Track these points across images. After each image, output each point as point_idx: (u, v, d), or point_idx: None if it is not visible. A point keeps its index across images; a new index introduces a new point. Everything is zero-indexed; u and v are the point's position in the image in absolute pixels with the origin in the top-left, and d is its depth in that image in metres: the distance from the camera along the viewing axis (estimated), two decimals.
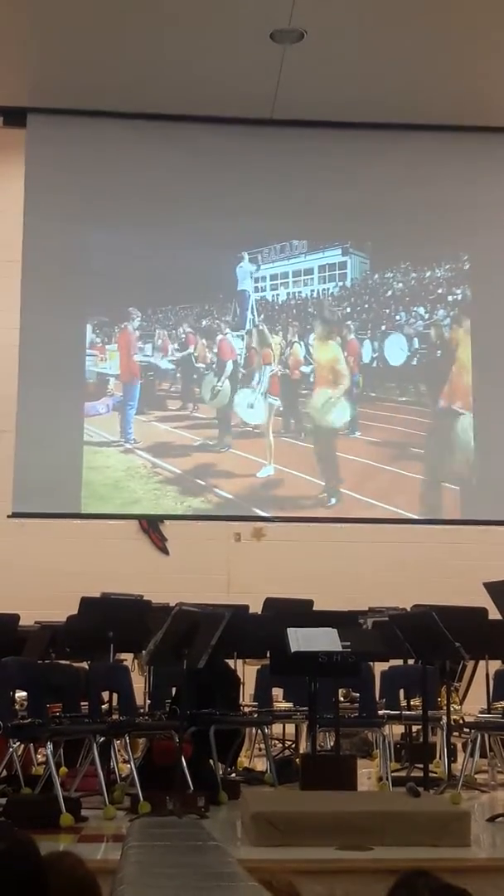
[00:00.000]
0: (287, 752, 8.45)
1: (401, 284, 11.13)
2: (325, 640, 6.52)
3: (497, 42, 9.58)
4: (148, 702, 7.46)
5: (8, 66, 10.12)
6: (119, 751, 7.31)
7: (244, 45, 9.67)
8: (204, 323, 10.94)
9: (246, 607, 8.20)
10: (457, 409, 11.00)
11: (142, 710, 7.26)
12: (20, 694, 6.87)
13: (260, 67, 10.03)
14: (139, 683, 7.64)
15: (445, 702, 7.34)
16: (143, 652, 7.05)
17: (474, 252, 11.21)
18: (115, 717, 6.86)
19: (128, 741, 6.80)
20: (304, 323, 11.03)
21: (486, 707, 7.53)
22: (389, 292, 11.13)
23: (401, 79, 10.18)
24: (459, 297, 11.15)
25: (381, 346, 11.05)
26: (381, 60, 9.88)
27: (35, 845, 2.52)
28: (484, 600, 7.35)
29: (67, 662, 7.42)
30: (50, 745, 6.14)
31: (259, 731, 7.79)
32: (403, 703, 7.82)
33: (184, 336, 10.92)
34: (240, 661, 7.84)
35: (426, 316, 11.12)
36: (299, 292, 11.11)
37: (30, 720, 6.43)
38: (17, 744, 6.60)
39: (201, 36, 9.54)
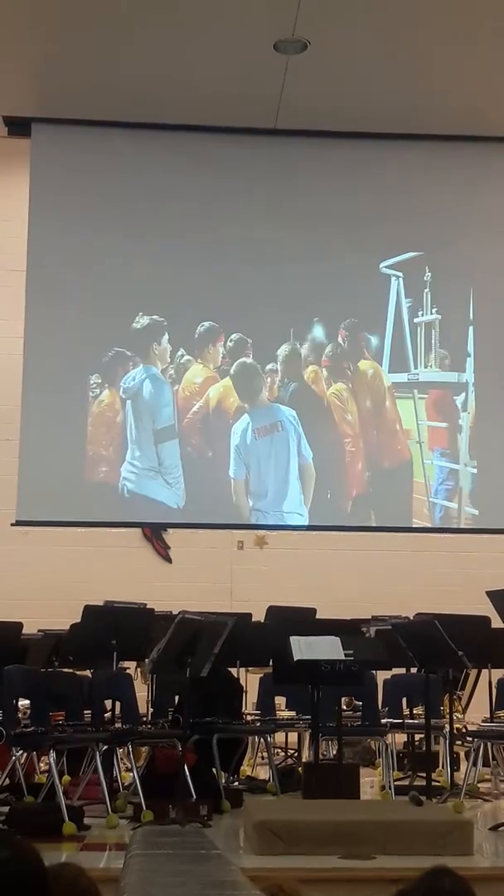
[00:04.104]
0: (289, 761, 8.44)
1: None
2: (327, 648, 6.52)
3: (498, 52, 9.60)
4: (150, 710, 7.46)
5: (12, 75, 10.15)
6: (122, 759, 7.31)
7: (248, 54, 9.70)
8: (209, 331, 10.93)
9: (249, 615, 8.20)
10: (459, 416, 11.00)
11: (144, 719, 7.27)
12: (23, 702, 6.88)
13: (263, 77, 10.06)
14: (142, 692, 7.64)
15: (448, 710, 7.33)
16: (146, 660, 7.05)
17: (477, 257, 11.22)
18: (117, 725, 6.86)
19: (130, 750, 6.80)
20: (311, 326, 11.02)
21: (488, 716, 7.53)
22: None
23: (403, 88, 10.20)
24: (463, 302, 11.15)
25: (389, 348, 11.08)
26: (383, 70, 9.90)
27: (38, 854, 2.53)
28: (487, 609, 7.37)
29: (70, 671, 7.43)
30: (52, 754, 6.15)
31: (262, 740, 7.80)
32: (406, 712, 7.80)
33: (187, 343, 10.91)
34: (242, 670, 7.83)
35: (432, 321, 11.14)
36: None
37: (32, 728, 6.45)
38: (20, 752, 6.60)
39: (205, 45, 9.57)
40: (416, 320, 11.11)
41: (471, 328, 11.14)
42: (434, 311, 11.14)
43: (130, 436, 10.80)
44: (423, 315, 11.12)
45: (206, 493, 10.74)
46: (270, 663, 7.36)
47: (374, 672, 7.46)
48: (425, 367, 11.09)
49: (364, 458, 10.93)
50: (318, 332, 11.04)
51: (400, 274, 11.16)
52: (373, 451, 10.95)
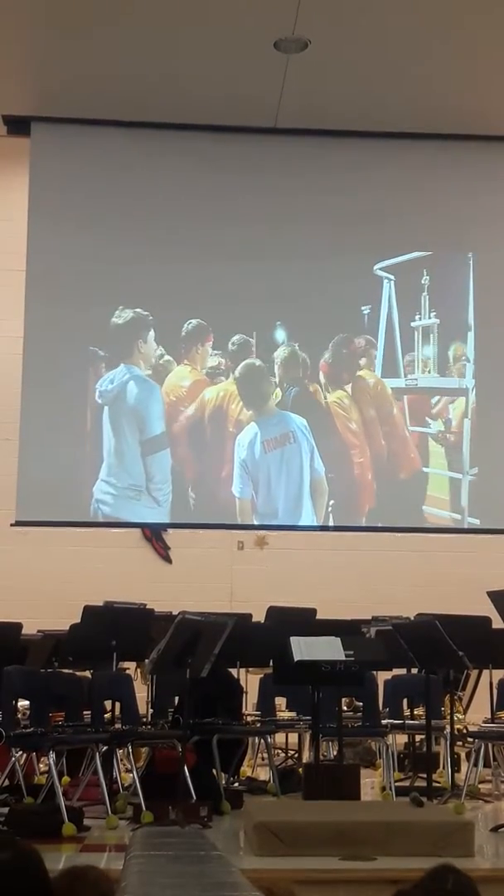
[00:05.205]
0: (290, 762, 8.43)
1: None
2: (328, 648, 6.50)
3: (499, 50, 9.59)
4: (150, 711, 7.45)
5: (12, 74, 10.14)
6: (121, 760, 7.29)
7: (248, 53, 9.68)
8: (198, 329, 10.87)
9: (249, 616, 8.19)
10: (460, 421, 10.97)
11: (144, 720, 7.25)
12: (23, 703, 6.86)
13: (264, 76, 10.04)
14: (142, 692, 7.63)
15: (449, 711, 7.32)
16: (146, 661, 7.04)
17: (477, 259, 11.20)
18: (117, 726, 6.85)
19: (130, 750, 6.78)
20: (314, 331, 10.96)
21: (489, 716, 7.52)
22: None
23: (404, 87, 10.19)
24: (463, 306, 11.13)
25: (382, 352, 11.03)
26: (384, 69, 9.89)
27: (39, 856, 2.52)
28: (487, 609, 7.36)
29: (70, 671, 7.42)
30: (52, 755, 6.14)
31: (262, 741, 7.79)
32: (407, 713, 7.80)
33: (172, 342, 10.84)
34: (242, 670, 7.82)
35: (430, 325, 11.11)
36: None
37: (32, 729, 6.43)
38: (20, 753, 6.59)
39: (205, 44, 9.56)
40: (413, 324, 11.06)
41: (470, 333, 11.10)
42: (433, 314, 11.09)
43: (108, 448, 10.59)
44: (420, 319, 11.07)
45: (201, 514, 10.54)
46: (270, 664, 7.35)
47: (374, 672, 7.44)
48: (422, 373, 11.03)
49: (373, 469, 10.78)
50: (317, 333, 10.96)
51: (392, 276, 11.09)
52: (383, 461, 10.80)
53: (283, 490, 10.61)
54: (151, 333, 10.81)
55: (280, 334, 10.92)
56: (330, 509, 10.67)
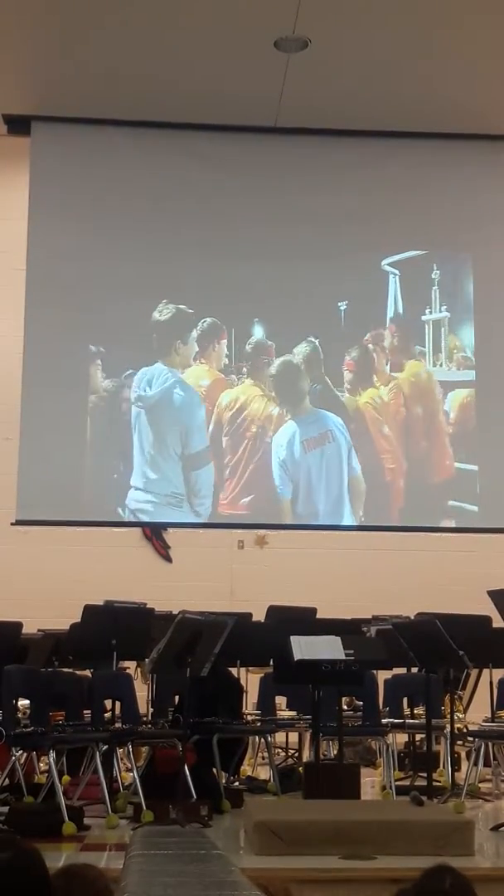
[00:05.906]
0: (290, 761, 8.43)
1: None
2: (328, 648, 6.51)
3: (501, 51, 9.58)
4: (150, 710, 7.45)
5: (12, 73, 10.13)
6: (122, 759, 7.30)
7: (248, 53, 9.68)
8: (212, 331, 10.86)
9: (249, 615, 8.20)
10: (459, 416, 10.97)
11: (144, 719, 7.26)
12: (23, 702, 6.87)
13: (264, 75, 10.04)
14: (142, 692, 7.63)
15: (449, 710, 7.33)
16: (146, 660, 7.05)
17: (478, 258, 11.20)
18: (117, 725, 6.85)
19: (130, 749, 6.79)
20: (321, 330, 10.94)
21: (489, 716, 7.52)
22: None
23: (404, 87, 10.18)
24: (464, 303, 11.13)
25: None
26: (384, 68, 9.88)
27: (40, 855, 2.52)
28: (488, 608, 7.36)
29: (70, 670, 7.42)
30: (52, 754, 6.14)
31: (262, 740, 7.79)
32: (407, 712, 7.80)
33: (191, 344, 10.84)
34: (243, 670, 7.82)
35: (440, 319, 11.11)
36: None
37: (32, 728, 6.43)
38: (20, 752, 6.59)
39: (205, 44, 9.56)
40: (423, 318, 11.04)
41: (475, 328, 11.08)
42: (443, 308, 11.06)
43: (143, 455, 10.54)
44: (431, 313, 11.05)
45: (239, 518, 10.45)
46: (271, 663, 7.36)
47: (374, 672, 7.45)
48: (433, 366, 11.01)
49: (406, 469, 10.68)
50: (309, 331, 10.93)
51: (397, 272, 11.10)
52: (419, 461, 10.71)
53: (323, 490, 10.47)
54: (194, 333, 10.75)
55: (297, 332, 10.87)
56: (362, 510, 10.63)
